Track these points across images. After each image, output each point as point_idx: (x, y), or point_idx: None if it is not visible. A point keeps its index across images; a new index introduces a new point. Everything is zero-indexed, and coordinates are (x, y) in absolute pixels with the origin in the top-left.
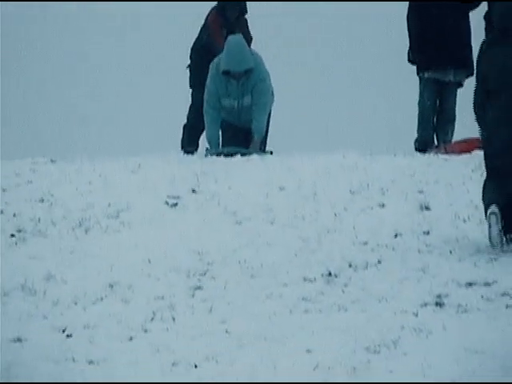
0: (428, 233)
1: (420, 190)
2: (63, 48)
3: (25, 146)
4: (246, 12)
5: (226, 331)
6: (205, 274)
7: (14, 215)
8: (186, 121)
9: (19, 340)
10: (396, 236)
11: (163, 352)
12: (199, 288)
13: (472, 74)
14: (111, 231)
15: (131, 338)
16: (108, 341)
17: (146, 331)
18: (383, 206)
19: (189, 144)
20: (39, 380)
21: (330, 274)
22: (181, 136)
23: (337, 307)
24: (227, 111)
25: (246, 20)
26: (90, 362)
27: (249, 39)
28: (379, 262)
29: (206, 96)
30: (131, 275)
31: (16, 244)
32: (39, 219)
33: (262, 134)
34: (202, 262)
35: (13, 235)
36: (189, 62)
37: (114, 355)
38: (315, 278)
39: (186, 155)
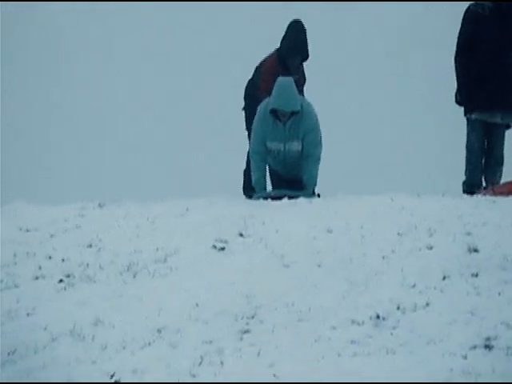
0: (476, 275)
1: (468, 232)
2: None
3: (73, 190)
4: (308, 58)
5: (274, 375)
6: (252, 317)
7: (63, 260)
8: (245, 165)
9: None
10: (444, 278)
11: None
12: (247, 332)
13: None
14: (159, 275)
15: (179, 383)
16: None
17: (194, 376)
18: (431, 247)
19: (250, 189)
20: None
21: (378, 316)
22: (242, 181)
23: (385, 350)
24: (273, 156)
25: (303, 68)
26: None
27: (302, 82)
28: (427, 304)
29: (252, 139)
30: (179, 319)
31: (64, 289)
32: (87, 264)
33: (314, 186)
34: (249, 305)
35: (61, 280)
36: (243, 103)
37: None
38: (363, 321)
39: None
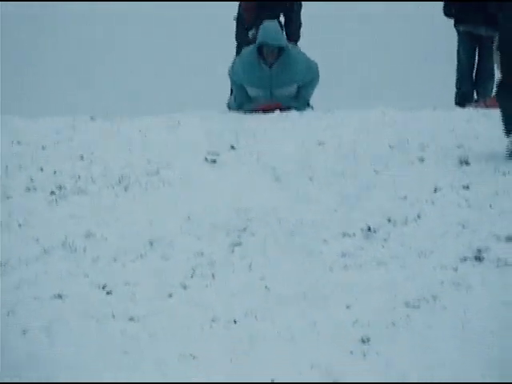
0: (468, 187)
1: (460, 145)
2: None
3: (64, 103)
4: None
5: (266, 287)
6: (244, 230)
7: (54, 173)
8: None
9: (60, 297)
10: (435, 191)
11: (202, 308)
12: (238, 245)
13: None
14: (151, 188)
15: (171, 295)
16: (148, 298)
17: (185, 288)
18: (423, 160)
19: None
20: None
21: (369, 229)
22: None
23: (376, 263)
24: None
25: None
26: (130, 319)
27: (297, 25)
28: (418, 216)
29: (232, 75)
30: (171, 232)
31: (56, 202)
32: (79, 177)
33: (308, 100)
34: (241, 218)
35: (53, 192)
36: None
37: (153, 312)
38: (354, 234)
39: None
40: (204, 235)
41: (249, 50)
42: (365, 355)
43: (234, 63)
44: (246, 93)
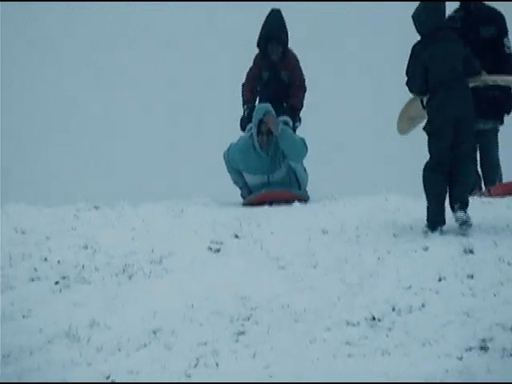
0: (472, 276)
1: (463, 233)
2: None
3: (67, 193)
4: (286, 45)
5: (270, 376)
6: (248, 318)
7: (58, 262)
8: None
9: None
10: (440, 279)
11: None
12: (242, 333)
13: (502, 121)
14: (154, 277)
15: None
16: None
17: (189, 377)
18: (426, 249)
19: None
20: None
21: (373, 318)
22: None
23: (380, 351)
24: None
25: (295, 59)
26: None
27: (301, 80)
28: (423, 305)
29: (229, 162)
30: (174, 321)
31: (60, 291)
32: (83, 266)
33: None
34: (245, 306)
35: (57, 282)
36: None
37: None
38: (358, 322)
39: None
40: (207, 324)
41: (244, 137)
42: None
43: (229, 151)
44: (243, 177)
